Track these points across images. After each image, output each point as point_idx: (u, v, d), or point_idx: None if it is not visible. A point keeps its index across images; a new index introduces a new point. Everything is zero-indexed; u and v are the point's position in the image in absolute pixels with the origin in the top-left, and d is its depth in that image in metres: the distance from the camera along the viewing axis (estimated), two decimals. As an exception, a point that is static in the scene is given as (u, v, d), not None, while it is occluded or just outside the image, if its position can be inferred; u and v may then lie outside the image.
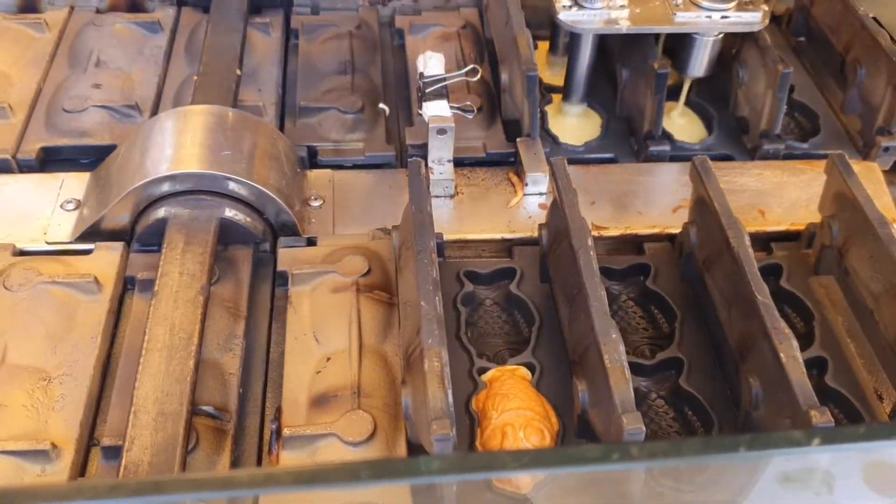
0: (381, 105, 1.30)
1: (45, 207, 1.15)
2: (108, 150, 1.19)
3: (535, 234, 1.07)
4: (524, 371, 0.99)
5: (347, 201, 1.17)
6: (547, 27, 1.45)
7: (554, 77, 1.41)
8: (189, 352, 0.93)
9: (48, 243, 1.11)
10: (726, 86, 1.33)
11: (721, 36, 1.25)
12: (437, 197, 1.17)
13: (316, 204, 1.16)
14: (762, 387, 0.87)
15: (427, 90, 1.19)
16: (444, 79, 1.20)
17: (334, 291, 1.03)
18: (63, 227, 1.13)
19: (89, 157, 1.24)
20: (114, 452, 0.90)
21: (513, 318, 1.07)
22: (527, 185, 1.18)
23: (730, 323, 0.95)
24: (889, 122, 1.24)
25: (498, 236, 1.15)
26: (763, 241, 1.13)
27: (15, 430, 0.91)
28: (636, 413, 0.79)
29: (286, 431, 0.91)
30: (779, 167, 1.23)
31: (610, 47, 1.37)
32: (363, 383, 0.95)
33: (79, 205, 1.15)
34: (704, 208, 1.00)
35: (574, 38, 1.27)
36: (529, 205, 1.17)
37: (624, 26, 1.21)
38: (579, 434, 0.91)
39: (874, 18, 1.33)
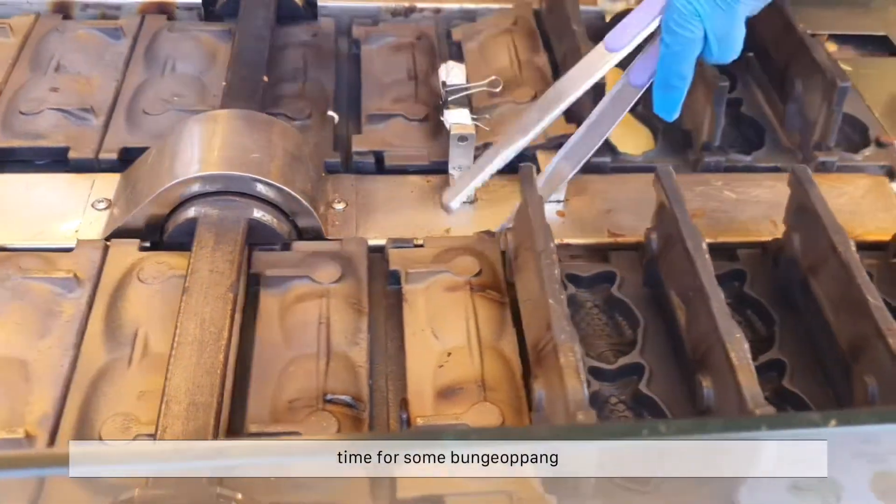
0: (331, 112, 1.35)
1: (77, 207, 1.18)
2: (62, 151, 1.23)
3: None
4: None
5: (370, 205, 1.21)
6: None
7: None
8: (219, 346, 0.96)
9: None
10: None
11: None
12: (456, 203, 1.23)
13: (339, 207, 1.20)
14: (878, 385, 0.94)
15: (449, 99, 1.24)
16: (467, 88, 1.25)
17: (448, 290, 1.07)
18: (94, 226, 1.15)
19: (43, 159, 1.26)
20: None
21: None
22: (544, 193, 1.23)
23: (838, 325, 1.01)
24: (825, 137, 1.29)
25: (516, 242, 1.19)
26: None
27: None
28: (770, 407, 0.84)
29: (417, 421, 0.94)
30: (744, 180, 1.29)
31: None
32: (486, 377, 0.99)
33: (109, 204, 1.17)
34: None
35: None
36: (547, 212, 1.20)
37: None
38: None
39: (886, 36, 1.42)
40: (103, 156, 1.24)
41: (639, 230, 1.18)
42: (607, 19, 1.51)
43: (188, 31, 1.47)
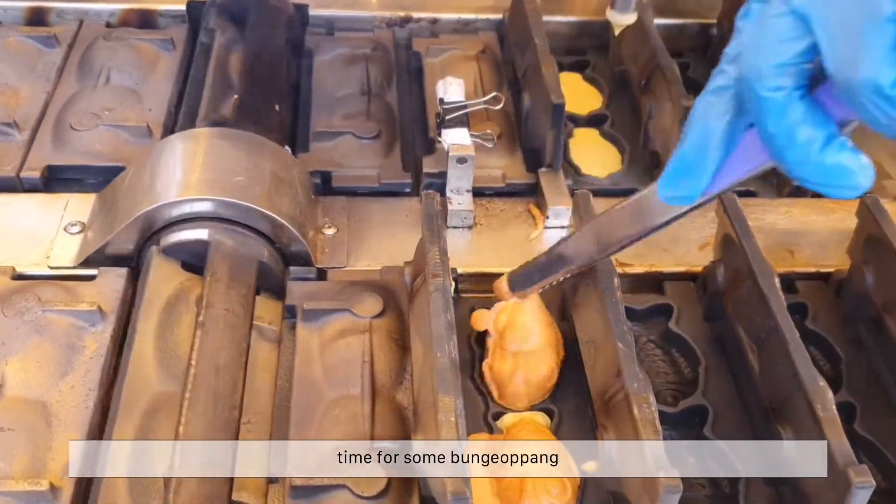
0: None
1: (51, 229, 1.10)
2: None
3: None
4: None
5: (362, 230, 1.14)
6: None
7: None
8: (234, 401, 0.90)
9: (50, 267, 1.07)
10: (638, 119, 1.32)
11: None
12: (454, 228, 1.15)
13: (329, 232, 1.12)
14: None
15: (447, 117, 1.17)
16: (465, 106, 1.18)
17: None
18: (67, 251, 1.08)
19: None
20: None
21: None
22: (548, 217, 1.16)
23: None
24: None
25: (518, 271, 1.13)
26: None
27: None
28: (862, 466, 0.77)
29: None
30: (806, 205, 1.23)
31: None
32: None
33: (83, 228, 1.10)
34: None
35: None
36: (550, 238, 1.14)
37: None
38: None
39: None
40: (25, 174, 1.17)
41: (646, 258, 1.13)
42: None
43: (126, 39, 1.37)
